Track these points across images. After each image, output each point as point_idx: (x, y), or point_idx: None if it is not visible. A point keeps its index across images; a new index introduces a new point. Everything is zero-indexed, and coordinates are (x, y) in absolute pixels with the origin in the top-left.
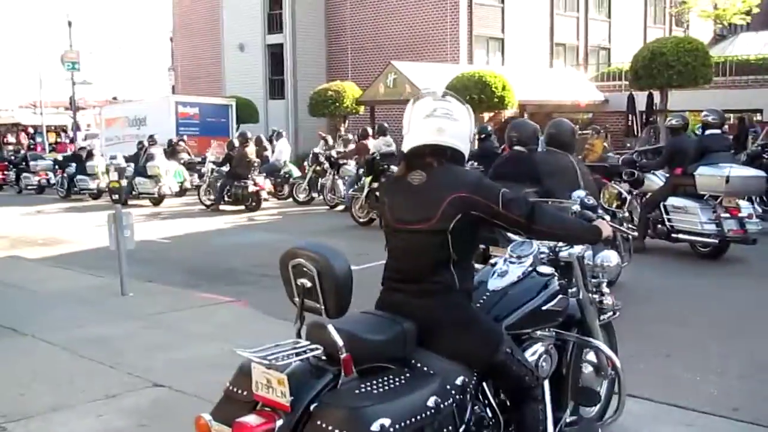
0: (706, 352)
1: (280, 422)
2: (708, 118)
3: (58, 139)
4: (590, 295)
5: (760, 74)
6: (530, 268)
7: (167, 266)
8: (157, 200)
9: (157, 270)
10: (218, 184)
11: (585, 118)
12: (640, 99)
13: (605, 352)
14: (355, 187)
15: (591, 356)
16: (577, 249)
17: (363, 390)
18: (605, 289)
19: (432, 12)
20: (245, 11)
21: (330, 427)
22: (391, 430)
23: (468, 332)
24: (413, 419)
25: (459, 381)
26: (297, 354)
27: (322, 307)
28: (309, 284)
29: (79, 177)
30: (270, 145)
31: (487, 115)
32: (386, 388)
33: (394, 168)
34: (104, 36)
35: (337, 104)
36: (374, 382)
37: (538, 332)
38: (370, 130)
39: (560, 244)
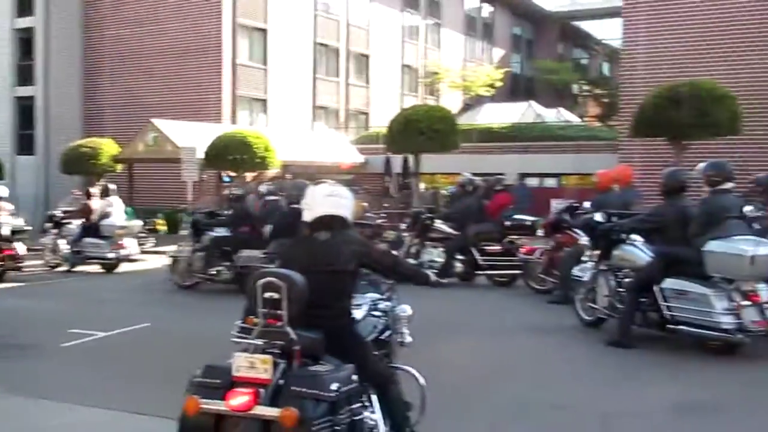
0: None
1: (262, 391)
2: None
3: None
4: (394, 335)
5: (502, 141)
6: (366, 312)
7: None
8: None
9: None
10: None
11: (346, 179)
12: (396, 162)
13: (413, 374)
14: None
15: None
16: (389, 303)
17: (315, 369)
18: (405, 330)
19: (194, 71)
20: None
21: (304, 390)
22: (342, 389)
23: (358, 346)
24: (349, 386)
25: (354, 373)
26: (270, 346)
27: (285, 313)
28: (277, 296)
29: None
30: None
31: (249, 175)
32: (327, 368)
33: None
34: None
35: (94, 161)
36: (316, 366)
37: None
38: (95, 191)
39: (379, 299)
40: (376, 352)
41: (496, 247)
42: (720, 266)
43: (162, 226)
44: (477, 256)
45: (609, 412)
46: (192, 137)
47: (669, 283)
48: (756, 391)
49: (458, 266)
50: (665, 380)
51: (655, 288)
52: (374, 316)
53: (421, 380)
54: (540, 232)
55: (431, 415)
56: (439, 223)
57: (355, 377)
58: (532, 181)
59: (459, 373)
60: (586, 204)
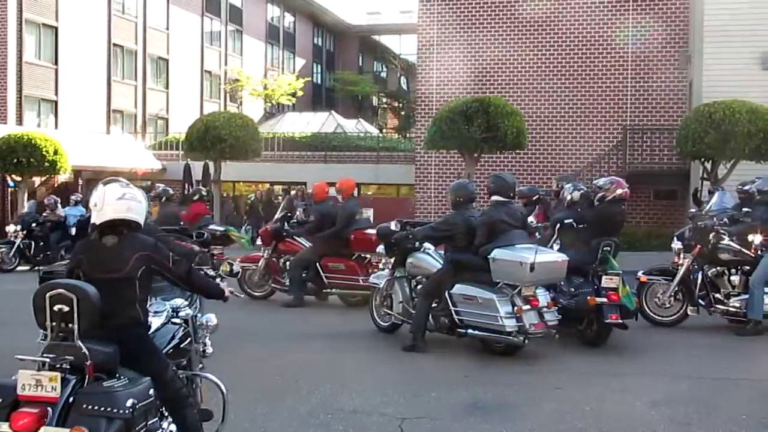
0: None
1: (50, 410)
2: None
3: None
4: (196, 344)
5: (303, 150)
6: (166, 320)
7: None
8: None
9: None
10: None
11: (144, 186)
12: (197, 168)
13: (214, 381)
14: None
15: None
16: (191, 311)
17: (109, 384)
18: (208, 341)
19: None
20: None
21: (96, 407)
22: (138, 405)
23: (153, 356)
24: (145, 401)
25: (151, 387)
26: (59, 362)
27: (76, 326)
28: (66, 309)
29: None
30: None
31: (38, 180)
32: (122, 383)
33: None
34: None
35: None
36: (110, 381)
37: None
38: None
39: (181, 306)
40: (175, 361)
41: None
42: (504, 273)
43: None
44: None
45: (406, 417)
46: None
47: (458, 288)
48: (534, 391)
49: None
50: (456, 383)
51: (446, 293)
52: (174, 323)
53: (223, 388)
54: (258, 241)
55: (231, 423)
56: None
57: (152, 391)
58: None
59: (258, 381)
60: (299, 213)
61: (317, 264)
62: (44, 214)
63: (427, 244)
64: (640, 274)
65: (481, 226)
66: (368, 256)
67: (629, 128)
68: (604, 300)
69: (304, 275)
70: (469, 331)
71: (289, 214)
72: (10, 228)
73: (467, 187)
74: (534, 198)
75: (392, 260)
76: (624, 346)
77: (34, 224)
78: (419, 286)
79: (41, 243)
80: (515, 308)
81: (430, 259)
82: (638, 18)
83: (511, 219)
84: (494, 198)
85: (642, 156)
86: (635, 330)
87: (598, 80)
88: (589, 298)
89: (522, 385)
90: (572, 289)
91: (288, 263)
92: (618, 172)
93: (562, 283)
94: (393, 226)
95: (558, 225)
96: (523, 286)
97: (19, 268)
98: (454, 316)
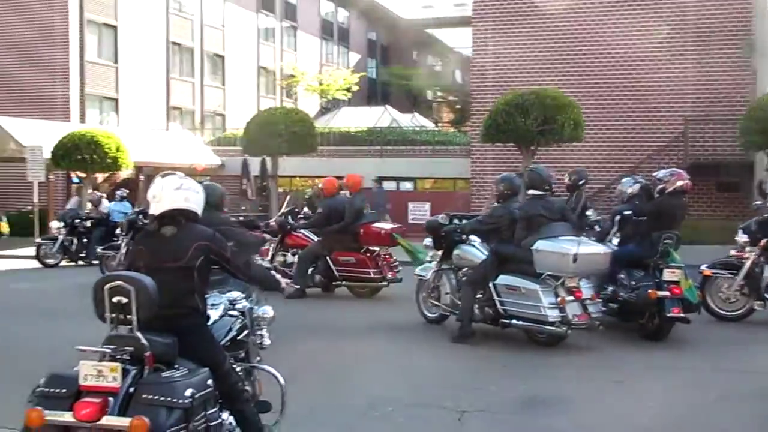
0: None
1: (111, 400)
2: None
3: None
4: (253, 336)
5: (358, 144)
6: (223, 312)
7: None
8: None
9: None
10: None
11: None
12: (255, 164)
13: (273, 373)
14: None
15: None
16: (247, 303)
17: (168, 375)
18: (265, 333)
19: (40, 67)
20: None
21: (156, 397)
22: (196, 395)
23: (211, 346)
24: (204, 391)
25: (210, 378)
26: (119, 353)
27: (135, 317)
28: (125, 300)
29: None
30: None
31: (101, 176)
32: (181, 373)
33: None
34: None
35: None
36: (170, 371)
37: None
38: None
39: (237, 298)
40: (233, 353)
41: None
42: (547, 264)
43: (5, 228)
44: None
45: (465, 410)
46: (38, 136)
47: (502, 279)
48: (594, 385)
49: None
50: (514, 376)
51: (490, 284)
52: (231, 316)
53: (281, 380)
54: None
55: (290, 415)
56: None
57: (210, 381)
58: (390, 185)
59: (315, 373)
60: (306, 210)
61: (327, 258)
62: (86, 210)
63: (472, 237)
64: (703, 267)
65: (520, 221)
66: (377, 249)
67: (690, 119)
68: (666, 293)
69: (312, 269)
70: (513, 321)
71: (296, 210)
72: (53, 224)
73: (512, 180)
74: None
75: (440, 253)
76: (687, 341)
77: (77, 220)
78: (464, 277)
79: (84, 239)
80: (558, 299)
81: (475, 251)
82: (699, 5)
83: (549, 212)
84: (530, 192)
85: (704, 147)
86: (698, 324)
87: (657, 70)
88: (650, 291)
89: (581, 379)
90: (633, 283)
91: (296, 256)
92: (679, 163)
93: (622, 276)
94: (441, 219)
95: (618, 217)
96: (567, 278)
97: (63, 263)
98: (498, 306)
